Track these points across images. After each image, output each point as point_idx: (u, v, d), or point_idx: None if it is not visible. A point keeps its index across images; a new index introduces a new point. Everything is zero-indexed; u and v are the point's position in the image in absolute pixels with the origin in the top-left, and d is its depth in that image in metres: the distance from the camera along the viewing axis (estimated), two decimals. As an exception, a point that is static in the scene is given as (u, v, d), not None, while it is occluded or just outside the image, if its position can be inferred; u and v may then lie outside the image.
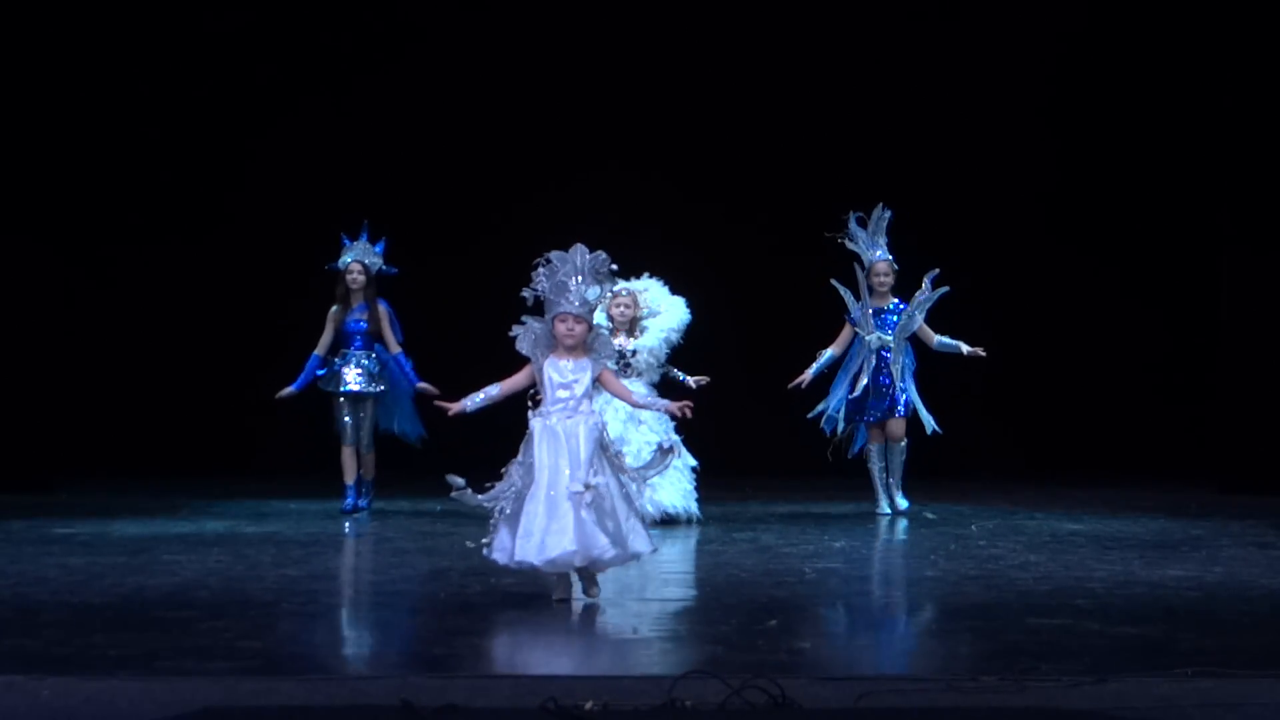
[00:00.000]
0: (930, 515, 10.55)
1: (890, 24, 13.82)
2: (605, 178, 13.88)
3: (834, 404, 10.83)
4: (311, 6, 13.82)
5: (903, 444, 10.79)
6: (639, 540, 6.90)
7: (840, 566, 8.18)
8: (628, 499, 6.90)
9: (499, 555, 6.87)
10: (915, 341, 10.81)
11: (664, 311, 10.48)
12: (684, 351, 10.52)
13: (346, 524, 10.40)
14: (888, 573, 8.00)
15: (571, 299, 6.85)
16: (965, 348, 10.75)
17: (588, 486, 6.70)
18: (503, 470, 6.84)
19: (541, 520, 6.70)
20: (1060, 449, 13.78)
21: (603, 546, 6.73)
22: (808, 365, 10.75)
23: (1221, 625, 6.44)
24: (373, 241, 11.24)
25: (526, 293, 6.91)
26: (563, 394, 6.88)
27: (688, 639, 6.23)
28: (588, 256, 6.88)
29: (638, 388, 9.81)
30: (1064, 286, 13.96)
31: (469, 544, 7.06)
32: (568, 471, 6.73)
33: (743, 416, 12.81)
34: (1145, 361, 14.14)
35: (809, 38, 13.85)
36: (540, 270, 6.90)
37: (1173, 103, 13.52)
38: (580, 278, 6.85)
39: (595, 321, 7.26)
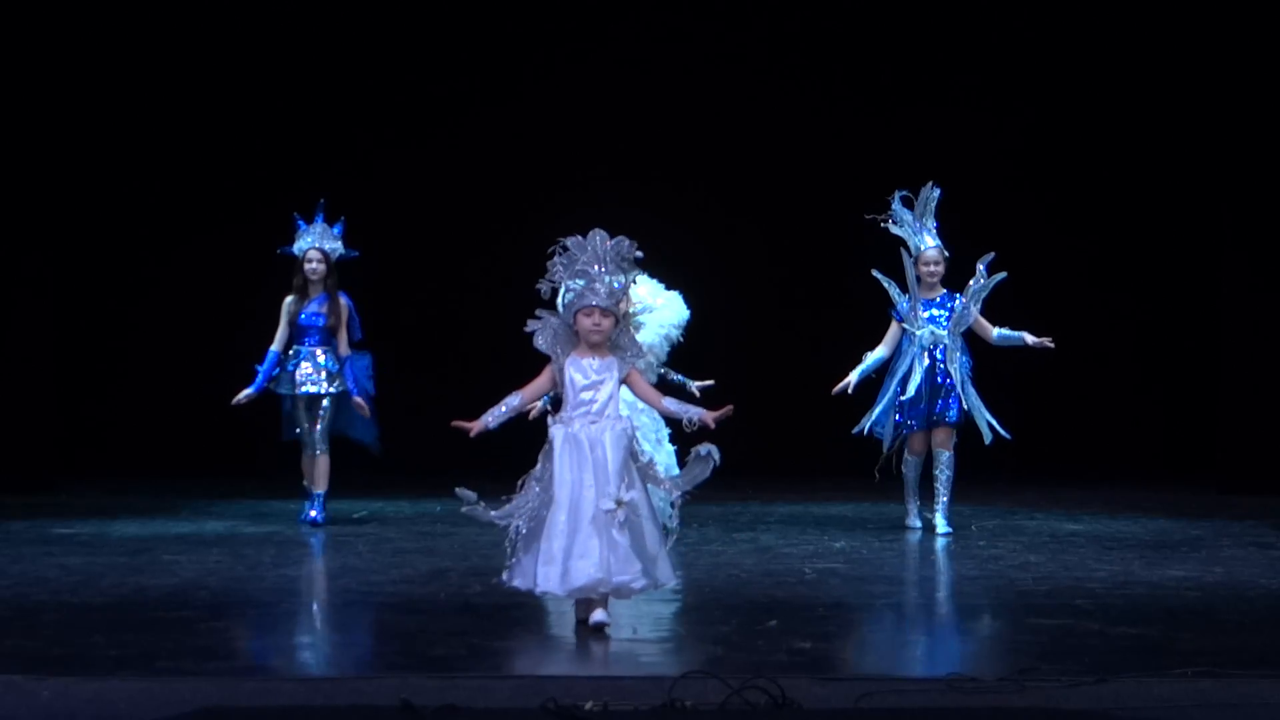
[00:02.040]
0: (930, 516, 10.53)
1: (899, 15, 13.76)
2: (595, 160, 13.61)
3: (880, 413, 9.76)
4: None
5: (948, 455, 9.69)
6: (666, 568, 6.20)
7: (840, 566, 8.18)
8: (654, 517, 6.20)
9: (519, 581, 6.21)
10: (969, 338, 9.77)
11: (659, 306, 9.24)
12: (679, 348, 9.58)
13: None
14: (888, 573, 8.00)
15: (597, 290, 6.15)
16: (1030, 338, 9.66)
17: (620, 503, 6.03)
18: (519, 483, 6.21)
19: (563, 543, 6.02)
20: (1061, 449, 13.78)
21: (634, 573, 6.05)
22: (851, 367, 9.76)
23: (1221, 625, 6.45)
24: (330, 223, 10.22)
25: (543, 285, 6.27)
26: (586, 395, 6.18)
27: (688, 639, 6.23)
28: (609, 242, 6.22)
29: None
30: (1064, 286, 13.95)
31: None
32: (593, 486, 6.05)
33: (743, 415, 12.78)
34: (1145, 362, 14.13)
35: (821, 13, 13.79)
36: (557, 259, 6.23)
37: (1174, 102, 13.51)
38: (602, 266, 6.18)
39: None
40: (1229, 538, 9.41)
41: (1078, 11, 13.57)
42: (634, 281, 6.41)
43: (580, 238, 6.23)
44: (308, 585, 7.63)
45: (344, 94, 13.78)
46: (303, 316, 10.11)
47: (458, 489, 6.16)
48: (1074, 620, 6.45)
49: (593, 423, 6.15)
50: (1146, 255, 13.94)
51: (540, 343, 6.27)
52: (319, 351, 10.10)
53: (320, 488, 10.15)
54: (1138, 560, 8.36)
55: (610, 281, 6.19)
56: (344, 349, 10.10)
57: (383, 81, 13.82)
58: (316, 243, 10.10)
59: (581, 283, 6.17)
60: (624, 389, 6.38)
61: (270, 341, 10.13)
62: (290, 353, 10.12)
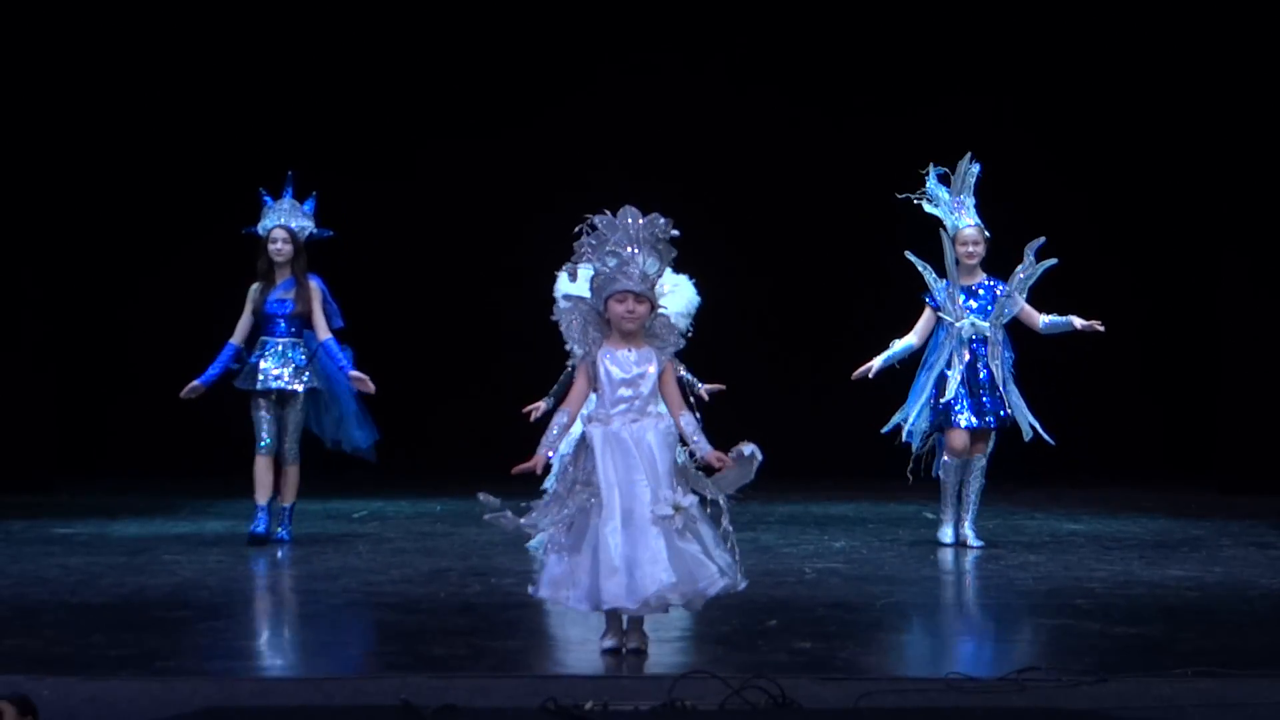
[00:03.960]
0: (930, 515, 10.53)
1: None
2: (597, 145, 13.38)
3: (914, 412, 8.92)
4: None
5: (983, 462, 9.03)
6: (734, 569, 5.68)
7: (840, 566, 8.18)
8: (708, 519, 5.71)
9: (576, 602, 5.58)
10: (1010, 330, 9.01)
11: (669, 292, 8.31)
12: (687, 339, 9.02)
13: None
14: (888, 573, 8.00)
15: (630, 272, 5.61)
16: (1079, 321, 8.96)
17: (678, 509, 5.54)
18: (543, 488, 5.79)
19: (625, 551, 5.48)
20: (1060, 449, 13.75)
21: (709, 578, 5.56)
22: (872, 354, 9.01)
23: (1221, 625, 6.45)
24: (300, 199, 9.22)
25: (567, 269, 5.94)
26: (626, 392, 5.66)
27: (688, 639, 6.23)
28: (641, 220, 5.68)
29: None
30: (1063, 286, 13.92)
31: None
32: (646, 487, 5.55)
33: (743, 414, 12.73)
34: (1146, 362, 14.11)
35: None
36: (584, 239, 5.70)
37: (1175, 102, 13.49)
38: (635, 246, 5.64)
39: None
40: (1229, 538, 9.41)
41: (1080, 11, 13.55)
42: (670, 264, 5.87)
43: (610, 215, 5.70)
44: (308, 585, 7.62)
45: (334, 90, 13.71)
46: (269, 304, 9.07)
47: (480, 495, 5.58)
48: (1074, 620, 6.46)
49: (634, 420, 5.64)
50: (1146, 255, 13.92)
51: (571, 333, 5.77)
52: (287, 343, 9.05)
53: (288, 499, 9.12)
54: (1138, 560, 8.36)
55: (645, 263, 5.65)
56: (323, 333, 9.04)
57: (372, 77, 13.73)
58: (283, 220, 9.08)
59: (613, 264, 5.64)
60: None
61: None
62: (257, 345, 9.08)
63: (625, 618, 5.71)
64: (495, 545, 8.54)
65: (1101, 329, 9.05)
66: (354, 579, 7.67)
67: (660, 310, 5.88)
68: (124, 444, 13.58)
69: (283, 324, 9.07)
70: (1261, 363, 12.54)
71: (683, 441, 5.73)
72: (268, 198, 9.19)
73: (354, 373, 8.91)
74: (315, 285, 9.11)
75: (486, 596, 7.04)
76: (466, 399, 13.33)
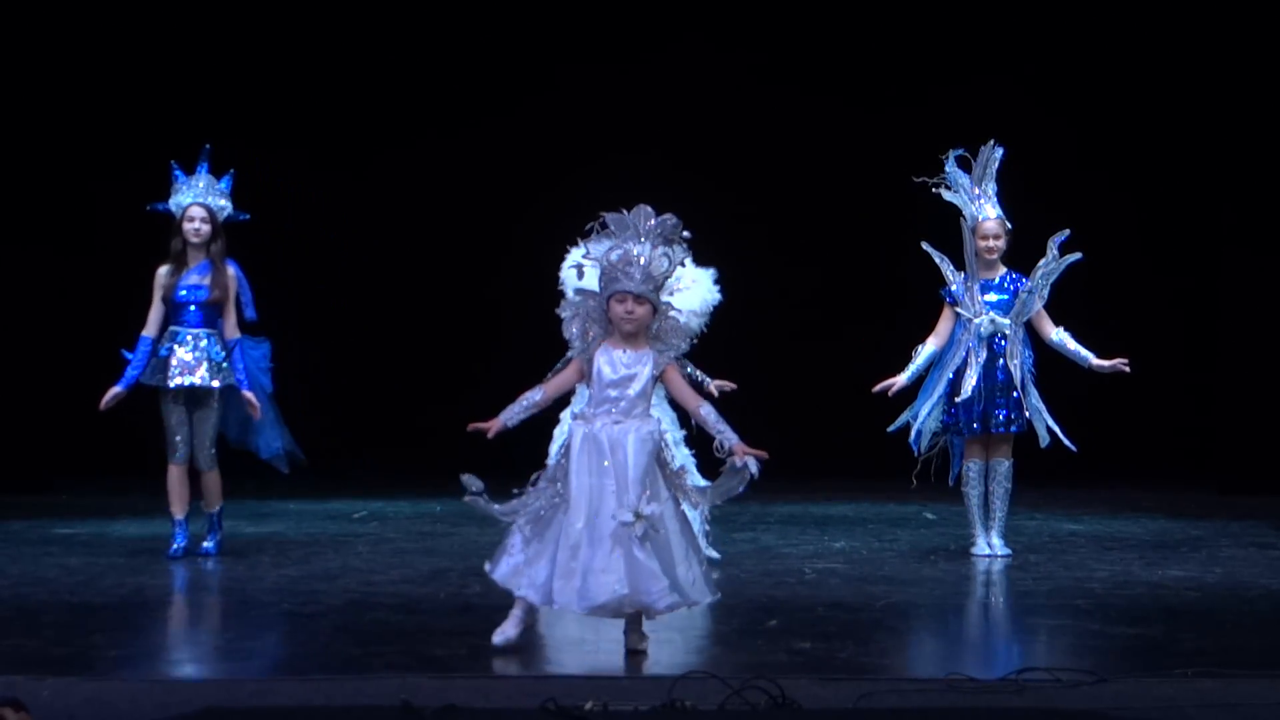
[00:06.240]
0: (930, 515, 10.54)
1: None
2: (604, 114, 13.30)
3: (924, 412, 8.44)
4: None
5: (1007, 465, 8.54)
6: (700, 585, 5.67)
7: (840, 566, 8.18)
8: (686, 530, 5.68)
9: (529, 592, 5.68)
10: (1030, 329, 8.52)
11: (685, 288, 7.87)
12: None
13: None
14: (888, 573, 8.00)
15: (632, 273, 5.56)
16: (1094, 359, 8.41)
17: (639, 516, 5.48)
18: (533, 478, 5.71)
19: (584, 555, 5.51)
20: (1060, 449, 13.73)
21: (658, 592, 5.53)
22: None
23: (1221, 625, 6.46)
24: (217, 175, 8.43)
25: (573, 265, 5.89)
26: (612, 393, 5.62)
27: (688, 639, 6.23)
28: (653, 220, 5.61)
29: None
30: (1062, 285, 13.92)
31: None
32: (613, 492, 5.52)
33: (742, 413, 12.69)
34: (1145, 362, 14.07)
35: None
36: (595, 236, 5.70)
37: (1174, 101, 13.49)
38: (641, 246, 5.58)
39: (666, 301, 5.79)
40: (1229, 538, 9.41)
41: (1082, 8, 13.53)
42: (682, 264, 5.78)
43: (623, 214, 5.64)
44: (308, 585, 7.62)
45: (335, 80, 13.69)
46: (179, 290, 8.22)
47: (463, 476, 5.59)
48: (1074, 620, 6.46)
49: (616, 422, 5.60)
50: (1145, 254, 13.91)
51: (570, 330, 5.72)
52: (200, 334, 8.26)
53: (212, 505, 8.49)
54: (1138, 560, 8.37)
55: (648, 264, 5.58)
56: (232, 330, 8.26)
57: (370, 70, 13.66)
58: (201, 198, 8.27)
59: (617, 262, 5.60)
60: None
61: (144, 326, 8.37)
62: (166, 337, 8.29)
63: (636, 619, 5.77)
64: (495, 545, 8.52)
65: (1126, 368, 8.49)
66: (354, 579, 7.66)
67: (672, 313, 5.80)
68: (124, 444, 13.55)
69: (196, 312, 8.25)
70: (1261, 363, 12.54)
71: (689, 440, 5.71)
72: (179, 172, 8.40)
73: (246, 394, 8.22)
74: (234, 272, 8.32)
75: (486, 596, 7.02)
76: (467, 398, 13.27)
